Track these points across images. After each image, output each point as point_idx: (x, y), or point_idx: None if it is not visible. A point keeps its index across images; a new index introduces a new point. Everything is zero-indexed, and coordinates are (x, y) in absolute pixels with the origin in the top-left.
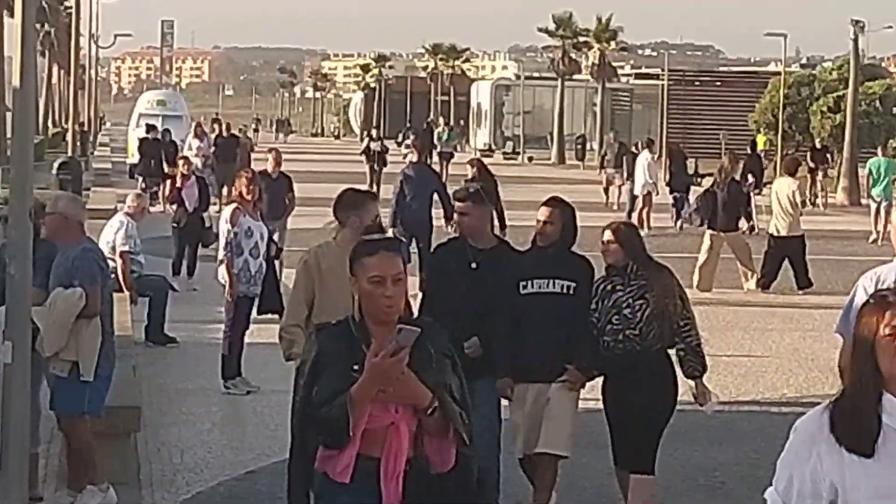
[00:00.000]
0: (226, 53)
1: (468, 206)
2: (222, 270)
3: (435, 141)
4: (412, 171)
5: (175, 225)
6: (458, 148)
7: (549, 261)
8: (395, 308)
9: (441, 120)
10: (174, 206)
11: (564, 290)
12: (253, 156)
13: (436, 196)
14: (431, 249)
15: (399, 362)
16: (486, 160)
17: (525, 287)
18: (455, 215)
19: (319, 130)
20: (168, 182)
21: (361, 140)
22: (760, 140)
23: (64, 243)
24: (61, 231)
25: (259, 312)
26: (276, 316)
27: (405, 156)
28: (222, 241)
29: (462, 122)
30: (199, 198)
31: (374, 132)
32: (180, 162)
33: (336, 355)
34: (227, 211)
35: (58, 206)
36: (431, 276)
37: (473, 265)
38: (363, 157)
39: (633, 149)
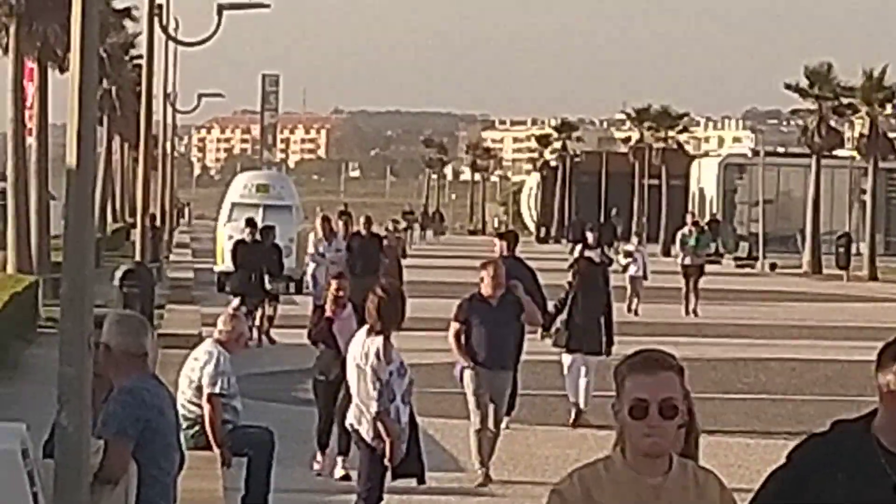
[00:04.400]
0: (350, 120)
1: None
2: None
3: (677, 248)
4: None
5: (321, 377)
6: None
7: None
8: None
9: (689, 217)
10: (320, 346)
11: None
12: (404, 263)
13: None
14: (789, 456)
15: None
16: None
17: None
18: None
19: (480, 226)
20: (271, 305)
21: (540, 239)
22: None
23: (118, 383)
24: (109, 367)
25: (394, 477)
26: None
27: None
28: (373, 385)
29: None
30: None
31: (590, 235)
32: (333, 282)
33: None
34: (377, 343)
35: (102, 332)
36: None
37: None
38: (571, 273)
39: None
